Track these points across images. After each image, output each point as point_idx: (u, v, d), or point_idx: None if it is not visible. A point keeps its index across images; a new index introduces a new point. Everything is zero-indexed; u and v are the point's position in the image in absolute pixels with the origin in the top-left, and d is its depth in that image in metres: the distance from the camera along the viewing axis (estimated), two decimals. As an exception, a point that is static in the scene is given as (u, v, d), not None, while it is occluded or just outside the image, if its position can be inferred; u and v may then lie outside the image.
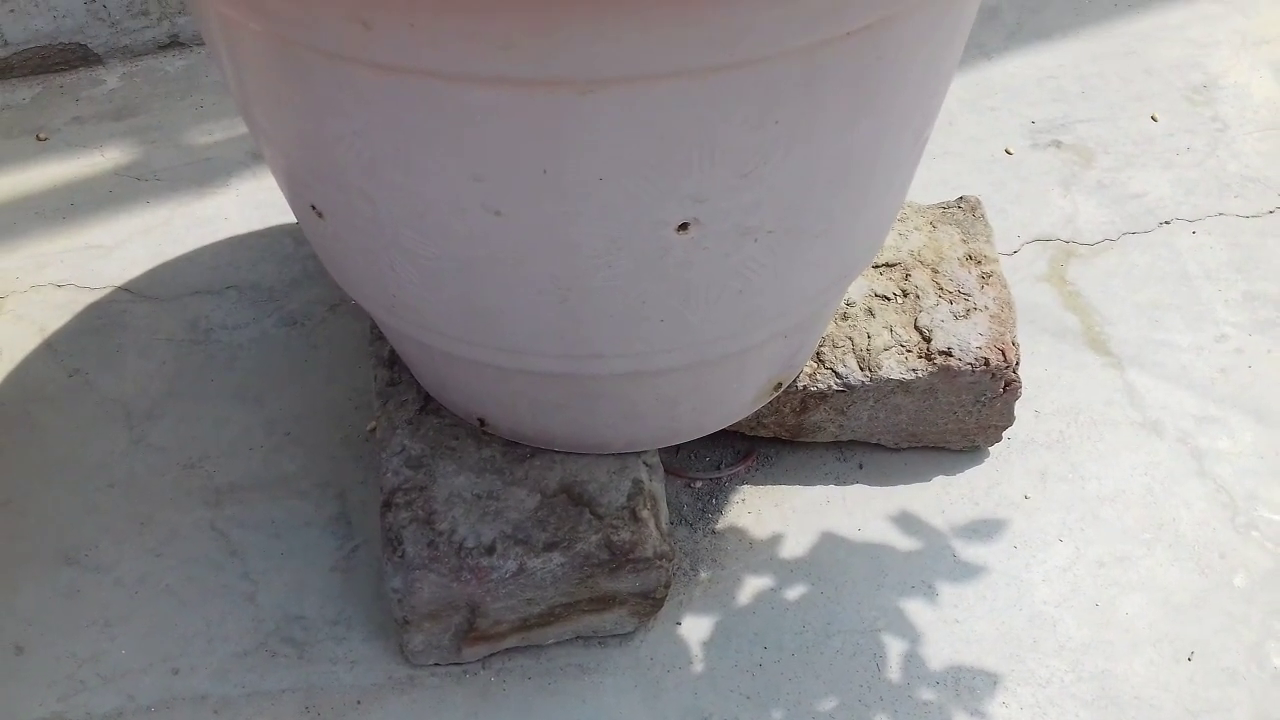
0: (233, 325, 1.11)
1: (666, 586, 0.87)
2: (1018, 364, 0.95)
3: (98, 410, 1.04)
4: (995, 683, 0.88)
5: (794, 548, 0.96)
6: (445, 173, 0.59)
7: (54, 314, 1.12)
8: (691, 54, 0.51)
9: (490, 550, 0.82)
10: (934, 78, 0.64)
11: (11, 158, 1.28)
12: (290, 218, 1.21)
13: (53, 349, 1.09)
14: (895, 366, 0.93)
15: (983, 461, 1.02)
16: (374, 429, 1.03)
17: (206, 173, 1.27)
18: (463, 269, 0.65)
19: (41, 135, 1.30)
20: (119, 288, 1.14)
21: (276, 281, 1.15)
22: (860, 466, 1.02)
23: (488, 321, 0.69)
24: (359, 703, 0.86)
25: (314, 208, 0.69)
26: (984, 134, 1.35)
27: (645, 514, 0.84)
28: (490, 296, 0.67)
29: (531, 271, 0.64)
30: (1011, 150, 1.33)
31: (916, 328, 0.95)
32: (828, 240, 0.68)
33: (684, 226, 0.61)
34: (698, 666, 0.89)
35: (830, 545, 0.96)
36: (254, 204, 1.23)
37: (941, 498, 1.00)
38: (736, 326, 0.72)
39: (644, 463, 0.87)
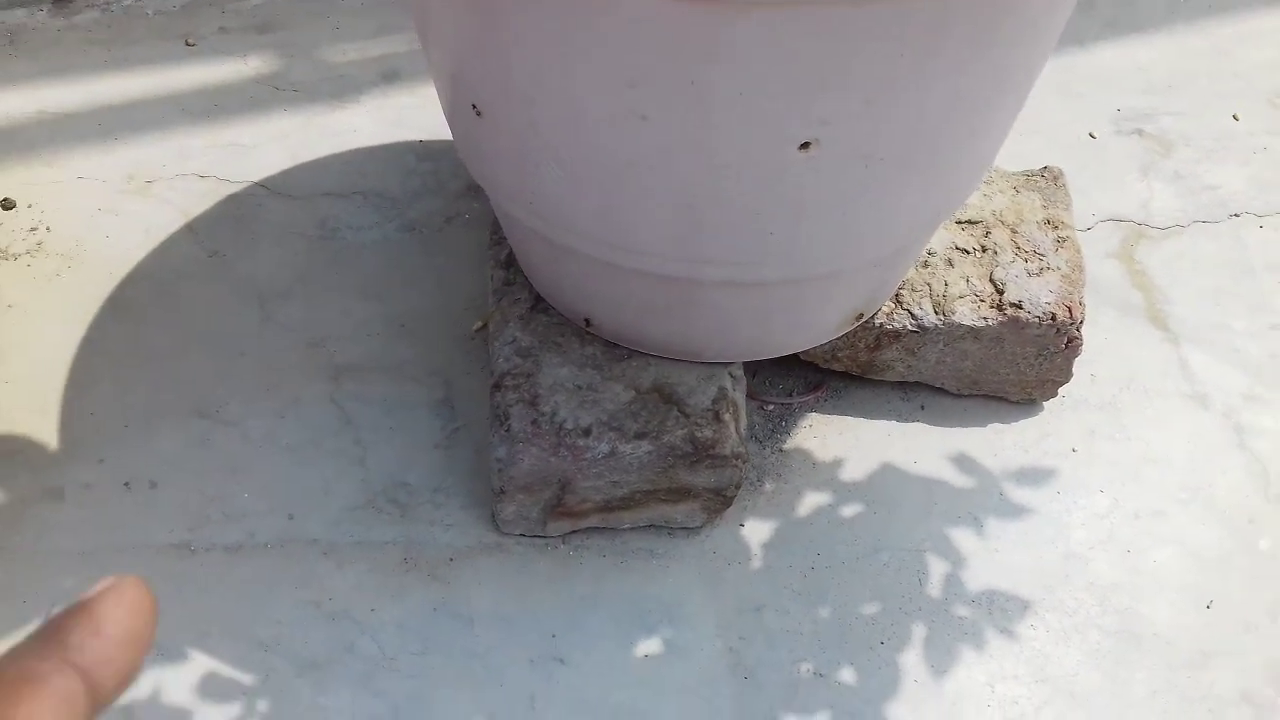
0: (358, 226, 1.21)
1: (737, 486, 0.96)
2: (1082, 323, 1.02)
3: (234, 289, 1.15)
4: (1026, 608, 0.96)
5: (853, 472, 1.05)
6: (604, 78, 0.67)
7: (196, 201, 1.23)
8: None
9: (587, 433, 0.91)
10: (1038, 39, 0.72)
11: (162, 58, 1.39)
12: (414, 135, 1.31)
13: (194, 231, 1.20)
14: (968, 313, 1.01)
15: (1036, 415, 1.10)
16: (481, 327, 1.13)
17: (340, 88, 1.37)
18: (603, 170, 0.74)
19: (190, 41, 1.41)
20: (256, 183, 1.25)
21: (399, 191, 1.25)
22: (922, 407, 1.10)
23: (618, 221, 0.78)
24: (451, 560, 0.96)
25: (474, 107, 0.78)
26: (1071, 117, 1.41)
27: (727, 417, 0.93)
28: (623, 197, 0.76)
29: (665, 177, 0.73)
30: (1095, 135, 1.40)
31: (991, 280, 1.03)
32: (929, 176, 0.76)
33: (805, 146, 0.69)
34: (756, 563, 0.98)
35: (887, 473, 1.05)
36: (382, 120, 1.33)
37: (995, 443, 1.07)
38: (835, 249, 0.80)
39: (729, 374, 0.96)
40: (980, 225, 1.08)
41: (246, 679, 0.89)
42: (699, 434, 0.92)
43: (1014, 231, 1.07)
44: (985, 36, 0.66)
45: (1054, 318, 1.01)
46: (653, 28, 0.62)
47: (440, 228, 1.22)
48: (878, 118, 0.69)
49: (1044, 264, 1.05)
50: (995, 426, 1.09)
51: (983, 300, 1.02)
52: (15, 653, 0.17)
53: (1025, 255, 1.05)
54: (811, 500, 1.03)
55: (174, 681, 0.89)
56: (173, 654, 0.90)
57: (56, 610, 0.17)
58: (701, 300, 0.87)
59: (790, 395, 1.10)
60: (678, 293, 0.86)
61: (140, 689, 0.88)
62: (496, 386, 0.95)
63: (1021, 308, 1.01)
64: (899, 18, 0.62)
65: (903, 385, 1.11)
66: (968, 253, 1.06)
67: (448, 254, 1.20)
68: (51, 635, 0.18)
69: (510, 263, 1.03)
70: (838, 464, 1.05)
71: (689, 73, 0.65)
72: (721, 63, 0.64)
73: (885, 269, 0.90)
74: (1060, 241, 1.07)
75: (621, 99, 0.68)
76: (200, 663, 0.90)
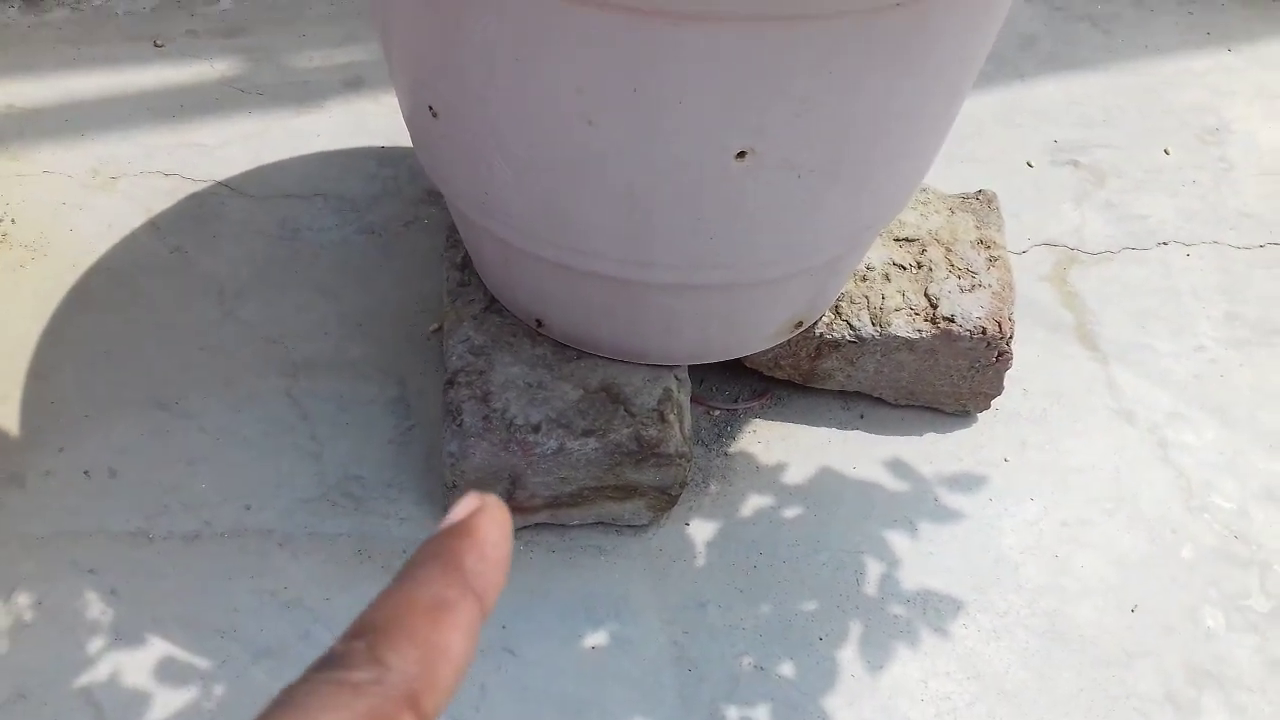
0: (318, 228, 1.24)
1: (682, 485, 0.99)
2: (1011, 338, 1.07)
3: (194, 284, 1.17)
4: (959, 608, 1.01)
5: (795, 476, 1.09)
6: (553, 82, 0.71)
7: (160, 198, 1.25)
8: (771, 2, 0.63)
9: (536, 429, 0.94)
10: (965, 58, 0.77)
11: (130, 58, 1.41)
12: (376, 141, 1.34)
13: (157, 227, 1.22)
14: (903, 325, 1.06)
15: (970, 425, 1.15)
16: (436, 329, 1.16)
17: (304, 93, 1.40)
18: (552, 171, 0.78)
19: (158, 42, 1.43)
20: (219, 182, 1.27)
21: (359, 195, 1.28)
22: (861, 416, 1.14)
23: (565, 222, 0.82)
24: (405, 552, 0.99)
25: (430, 108, 0.82)
26: (1010, 146, 1.47)
27: (672, 418, 0.97)
28: (571, 198, 0.80)
29: (610, 179, 0.77)
30: (1033, 164, 1.46)
31: (926, 295, 1.08)
32: (858, 188, 0.81)
33: (742, 155, 0.74)
34: (700, 561, 1.02)
35: (827, 478, 1.09)
36: (345, 126, 1.36)
37: (930, 451, 1.12)
38: (773, 255, 0.84)
39: (675, 376, 1.00)
40: (917, 243, 1.13)
41: (203, 664, 0.91)
42: (644, 433, 0.95)
43: (949, 250, 1.12)
44: (910, 58, 0.71)
45: (984, 331, 1.06)
46: (599, 36, 0.66)
47: (398, 231, 1.25)
48: (807, 130, 0.73)
49: (976, 281, 1.10)
50: (931, 436, 1.13)
51: (917, 314, 1.07)
52: (419, 576, 0.18)
53: (959, 272, 1.10)
54: (754, 502, 1.06)
55: (132, 665, 0.90)
56: (131, 639, 0.92)
57: (441, 525, 0.19)
58: (647, 302, 0.91)
59: (736, 401, 1.14)
60: (624, 294, 0.90)
61: (98, 672, 0.90)
62: (450, 383, 0.98)
63: (954, 321, 1.06)
64: (826, 36, 0.66)
65: (843, 394, 1.15)
66: (904, 268, 1.10)
67: (405, 257, 1.23)
68: (450, 560, 0.18)
69: (465, 264, 1.07)
70: (780, 468, 1.09)
71: (632, 80, 0.69)
72: (661, 71, 0.68)
73: (822, 277, 0.94)
74: (992, 260, 1.12)
75: (570, 103, 0.72)
76: (158, 648, 0.91)
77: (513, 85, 0.73)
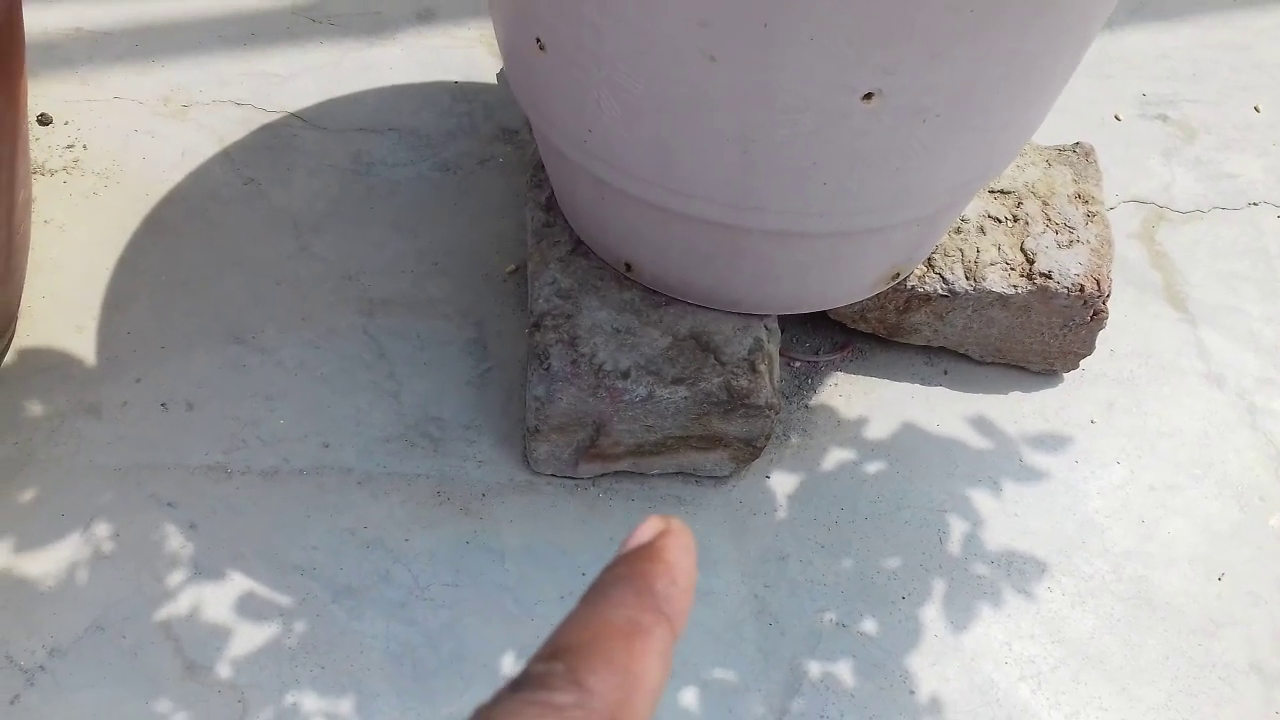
0: (392, 163, 1.21)
1: (767, 437, 0.97)
2: (1108, 296, 1.04)
3: (268, 217, 1.15)
4: (1043, 570, 0.99)
5: (877, 431, 1.07)
6: (676, 15, 0.68)
7: (232, 128, 1.23)
8: (922, -65, 0.60)
9: (625, 375, 0.92)
10: (1096, 6, 0.73)
11: (199, -16, 1.38)
12: (449, 76, 1.31)
13: (230, 158, 1.20)
14: (998, 280, 1.03)
15: (1057, 385, 1.12)
16: (514, 270, 1.14)
17: (376, 25, 1.37)
18: (664, 108, 0.75)
19: (227, -32, 1.40)
20: (291, 114, 1.25)
21: (434, 130, 1.25)
22: (945, 372, 1.11)
23: (671, 162, 0.79)
24: (483, 495, 0.97)
25: (538, 40, 0.79)
26: (1098, 98, 1.43)
27: (762, 368, 0.95)
28: (681, 137, 0.77)
29: (725, 118, 0.74)
30: (1121, 117, 1.41)
31: (1022, 249, 1.05)
32: (980, 135, 0.78)
33: (869, 96, 0.70)
34: (781, 514, 1.00)
35: (910, 434, 1.07)
36: (417, 59, 1.33)
37: (1015, 410, 1.09)
38: (884, 202, 0.81)
39: (765, 326, 0.97)
40: (1013, 195, 1.09)
41: (283, 601, 0.90)
42: (735, 383, 0.93)
43: (1045, 204, 1.09)
44: (1058, -1, 0.67)
45: (1082, 289, 1.03)
46: (740, -32, 0.63)
47: (473, 169, 1.23)
48: (939, 71, 0.70)
49: (1074, 236, 1.06)
50: (1016, 394, 1.11)
51: (1013, 268, 1.04)
52: (612, 598, 0.18)
53: (1056, 227, 1.07)
54: (836, 456, 1.05)
55: (211, 600, 0.90)
56: (210, 574, 0.91)
57: (626, 547, 0.18)
58: (746, 249, 0.88)
59: (817, 354, 1.12)
60: (723, 240, 0.88)
61: (177, 605, 0.90)
62: (536, 326, 0.96)
63: (1051, 278, 1.03)
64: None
65: (926, 350, 1.12)
66: (1000, 221, 1.07)
67: (481, 195, 1.20)
68: (641, 584, 0.18)
69: (550, 205, 1.04)
70: (862, 422, 1.07)
71: (762, 14, 0.66)
72: (795, 6, 0.65)
73: (926, 227, 0.91)
74: (1090, 216, 1.09)
75: (691, 37, 0.69)
76: (237, 583, 0.91)
77: (631, 18, 0.70)
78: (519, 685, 0.17)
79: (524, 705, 0.16)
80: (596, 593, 0.18)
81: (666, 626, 0.18)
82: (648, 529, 0.19)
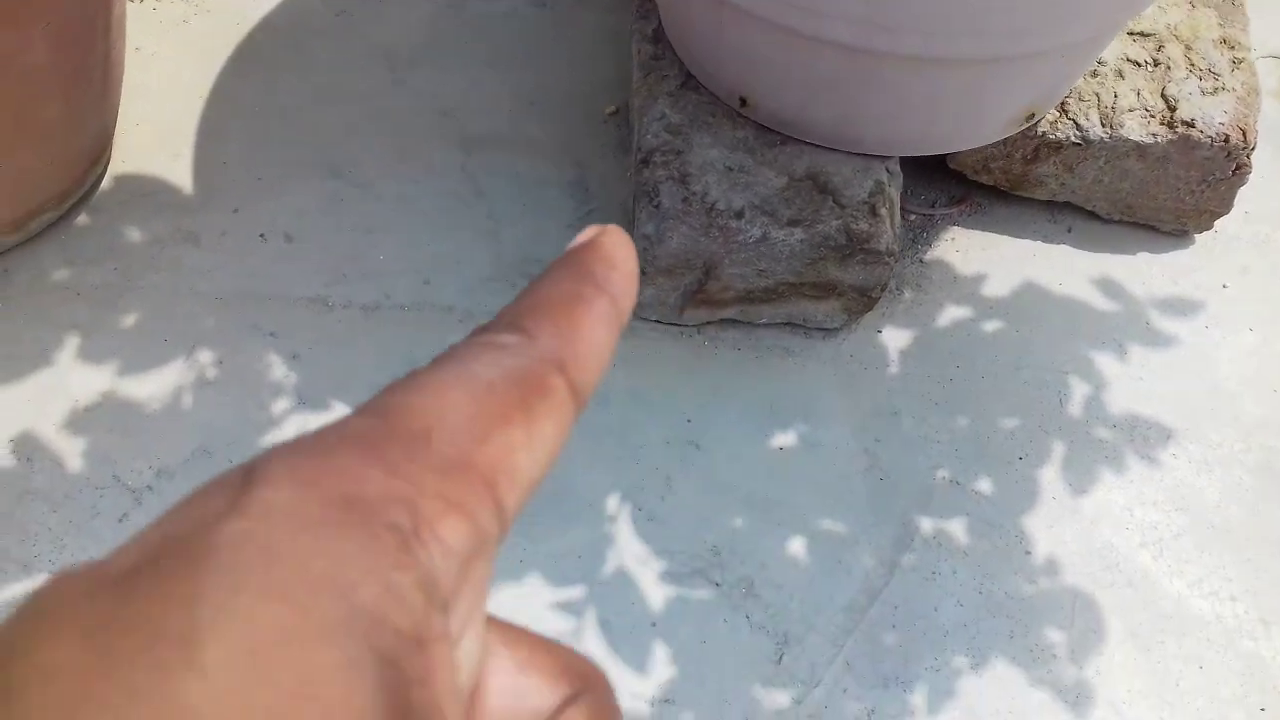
0: (488, -2, 1.16)
1: (883, 288, 0.93)
2: (1253, 149, 0.97)
3: (361, 49, 1.11)
4: (1169, 436, 0.94)
5: (995, 288, 1.02)
6: None
7: (323, -43, 1.18)
8: None
9: (739, 215, 0.88)
10: None
11: None
12: (547, -92, 1.25)
13: (323, -12, 1.15)
14: (1136, 128, 0.96)
15: (1188, 247, 1.06)
16: (614, 111, 1.09)
17: None
18: (808, -88, 0.69)
19: None
20: (384, -56, 1.19)
21: (532, -36, 1.19)
22: (1069, 230, 1.06)
23: (810, -25, 0.74)
24: (587, 338, 0.94)
25: None
26: (1240, -54, 1.32)
27: (883, 212, 0.90)
28: (824, -54, 0.71)
29: (876, -78, 0.68)
30: (1264, -32, 1.31)
31: (1163, 96, 0.98)
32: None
33: (1040, -106, 0.64)
34: (893, 369, 0.96)
35: (1030, 292, 1.02)
36: (514, -111, 1.26)
37: (1144, 271, 1.04)
38: (1032, 24, 0.75)
39: (887, 169, 0.92)
40: (1154, 38, 1.02)
41: (384, 432, 0.88)
42: (854, 226, 0.88)
43: (1188, 48, 1.01)
44: None
45: (1227, 139, 0.96)
46: None
47: (571, 5, 1.17)
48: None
49: (1219, 84, 0.99)
50: (1145, 256, 1.05)
51: (1153, 116, 0.97)
52: (550, 278, 0.18)
53: (1199, 73, 0.99)
54: (951, 313, 1.00)
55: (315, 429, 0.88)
56: (314, 403, 0.90)
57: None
58: (875, 79, 0.82)
59: (933, 206, 1.06)
60: (852, 68, 0.82)
61: (282, 432, 0.88)
62: (644, 163, 0.91)
63: (1194, 126, 0.96)
64: None
65: (1050, 206, 1.06)
66: (1139, 65, 1.00)
67: (578, 33, 1.15)
68: (579, 267, 0.18)
69: (659, 37, 0.98)
70: (979, 279, 1.02)
71: None
72: None
73: (1069, 60, 0.85)
74: (1236, 62, 1.01)
75: None
76: (341, 413, 0.89)
77: None
78: (472, 333, 0.17)
79: (468, 344, 0.17)
80: (535, 280, 0.18)
81: (608, 300, 0.18)
82: (584, 234, 0.19)
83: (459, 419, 0.15)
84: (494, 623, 0.17)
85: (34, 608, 0.12)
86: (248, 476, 0.14)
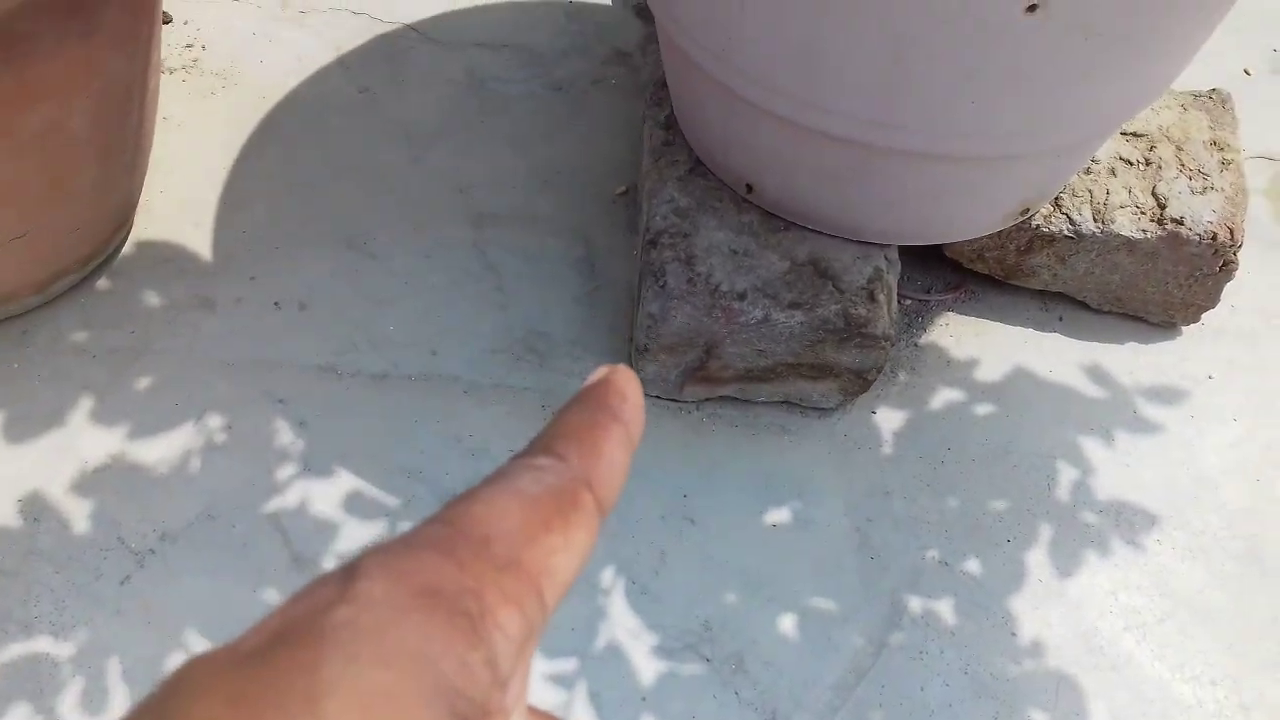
0: (505, 79, 1.20)
1: (879, 370, 0.96)
2: (1240, 246, 1.00)
3: (382, 127, 1.15)
4: (1153, 523, 0.96)
5: (987, 373, 1.04)
6: (837, -83, 0.66)
7: (348, 36, 1.22)
8: None
9: (741, 297, 0.91)
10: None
11: (317, -107, 1.38)
12: (563, -4, 1.30)
13: (346, 66, 1.19)
14: (1127, 224, 1.00)
15: (1175, 338, 1.09)
16: (623, 191, 1.13)
17: (491, -59, 1.35)
18: (814, 12, 0.73)
19: (345, -122, 1.39)
20: (407, 25, 1.24)
21: (547, 49, 1.24)
22: (1060, 319, 1.09)
23: (813, 72, 0.77)
24: (589, 412, 0.97)
25: (682, -57, 0.77)
26: (1228, 52, 1.37)
27: (881, 298, 0.93)
28: (827, 45, 0.75)
29: (878, 24, 0.71)
30: (1250, 72, 1.36)
31: (1154, 194, 1.01)
32: (1140, 59, 0.75)
33: (1032, 8, 0.68)
34: (886, 450, 0.99)
35: (1021, 378, 1.04)
36: (532, -23, 1.32)
37: (1131, 361, 1.06)
38: (1032, 127, 0.79)
39: (885, 256, 0.95)
40: (1146, 138, 1.06)
41: (389, 501, 0.91)
42: (853, 311, 0.91)
43: (1179, 148, 1.05)
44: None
45: (1214, 237, 0.99)
46: None
47: (585, 89, 1.21)
48: (1109, -12, 0.67)
49: (1208, 183, 1.03)
50: (1133, 345, 1.08)
51: (1143, 212, 1.01)
52: (571, 410, 0.22)
53: (1189, 173, 1.03)
54: (944, 396, 1.03)
55: (319, 496, 0.91)
56: (319, 470, 0.92)
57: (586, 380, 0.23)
58: (878, 172, 0.86)
59: (929, 292, 1.09)
60: (856, 161, 0.85)
61: (286, 499, 0.91)
62: (652, 243, 0.95)
63: (1183, 224, 1.00)
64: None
65: (1042, 295, 1.10)
66: (1131, 164, 1.04)
67: (592, 115, 1.19)
68: (594, 401, 0.22)
69: (670, 124, 1.03)
70: (972, 364, 1.05)
71: (929, -81, 0.64)
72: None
73: (1064, 159, 0.88)
74: (1225, 163, 1.05)
75: (850, -57, 0.67)
76: (345, 481, 0.91)
77: (788, -84, 0.68)
78: (512, 458, 0.21)
79: (512, 465, 0.20)
80: (560, 413, 0.22)
81: (622, 427, 0.22)
82: (596, 373, 0.23)
83: (511, 526, 0.19)
84: (532, 710, 0.21)
85: (181, 679, 0.15)
86: (350, 573, 0.17)
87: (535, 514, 0.19)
